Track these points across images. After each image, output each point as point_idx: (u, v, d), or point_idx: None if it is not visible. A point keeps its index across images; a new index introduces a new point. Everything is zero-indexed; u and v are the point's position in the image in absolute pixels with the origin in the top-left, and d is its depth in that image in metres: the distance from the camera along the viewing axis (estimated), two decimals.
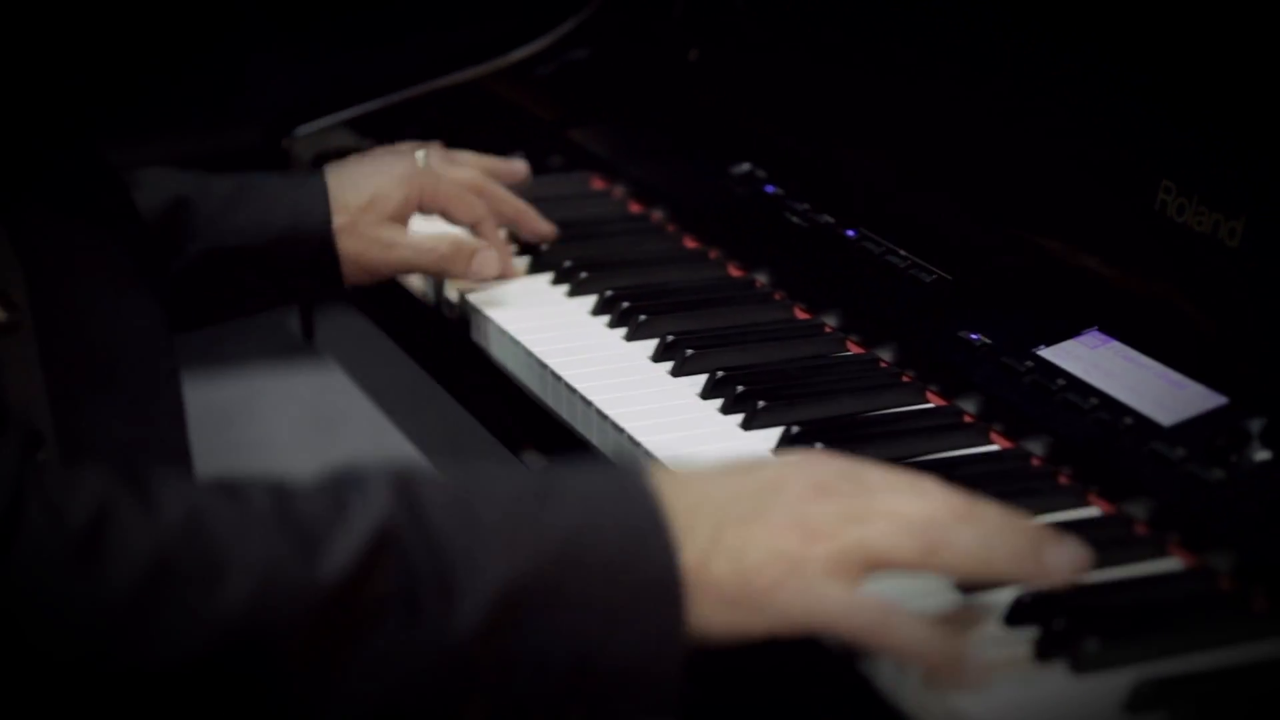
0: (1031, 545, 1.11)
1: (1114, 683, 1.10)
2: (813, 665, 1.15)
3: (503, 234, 1.86)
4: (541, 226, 1.86)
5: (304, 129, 2.26)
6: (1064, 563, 1.11)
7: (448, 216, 1.82)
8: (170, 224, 1.71)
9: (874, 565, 1.09)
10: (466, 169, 1.85)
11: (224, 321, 1.84)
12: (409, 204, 1.78)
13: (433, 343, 1.86)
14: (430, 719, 1.06)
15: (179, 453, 1.41)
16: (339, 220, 1.75)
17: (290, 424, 3.95)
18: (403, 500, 1.07)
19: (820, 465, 1.14)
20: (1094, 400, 1.39)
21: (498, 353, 1.73)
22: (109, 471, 1.05)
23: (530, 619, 1.06)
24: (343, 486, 1.08)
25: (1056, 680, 1.11)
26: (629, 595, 1.07)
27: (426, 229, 1.80)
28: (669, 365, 1.60)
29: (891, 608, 1.08)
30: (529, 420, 1.64)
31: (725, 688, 1.18)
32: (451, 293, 1.82)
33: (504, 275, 1.81)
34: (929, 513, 1.11)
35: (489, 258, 1.78)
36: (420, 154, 1.83)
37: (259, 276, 1.75)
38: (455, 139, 1.95)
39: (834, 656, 1.13)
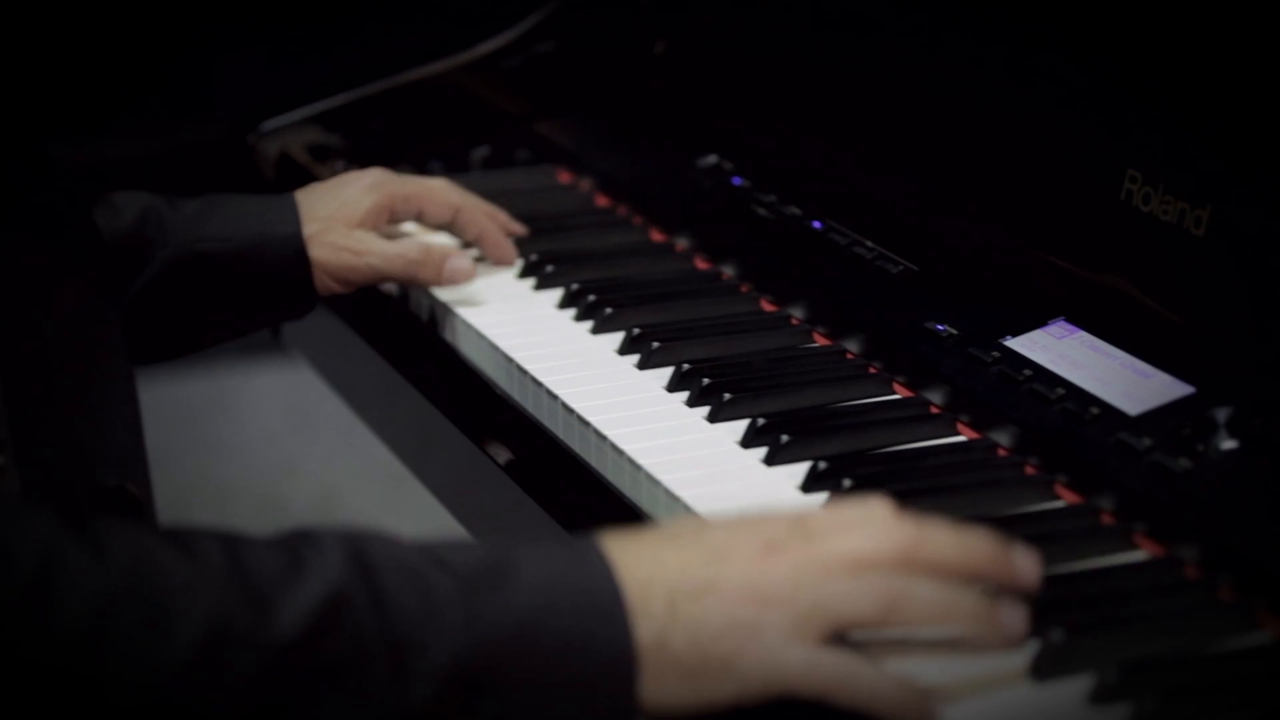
0: (987, 606, 1.10)
1: (1081, 674, 1.09)
2: None
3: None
4: (505, 252, 1.84)
5: (270, 123, 2.25)
6: (1017, 621, 1.10)
7: (423, 218, 1.81)
8: (140, 236, 1.69)
9: (834, 627, 1.09)
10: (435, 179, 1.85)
11: (196, 349, 1.83)
12: (379, 211, 1.78)
13: (401, 340, 1.85)
14: None
15: (135, 458, 1.40)
16: (310, 229, 1.74)
17: (260, 422, 3.94)
18: (356, 565, 1.06)
19: (766, 523, 1.13)
20: (1060, 390, 1.39)
21: (465, 348, 1.72)
22: (58, 516, 1.03)
23: (483, 697, 1.05)
24: (297, 545, 1.07)
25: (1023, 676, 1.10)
26: (583, 677, 1.07)
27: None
28: (635, 358, 1.60)
29: (852, 664, 1.08)
30: (497, 416, 1.63)
31: None
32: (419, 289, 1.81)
33: (499, 259, 1.80)
34: (885, 557, 1.10)
35: (461, 265, 1.76)
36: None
37: (230, 289, 1.74)
38: (422, 133, 1.95)
39: None
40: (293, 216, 1.74)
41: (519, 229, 1.86)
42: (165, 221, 1.71)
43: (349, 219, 1.76)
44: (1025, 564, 1.13)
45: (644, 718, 1.11)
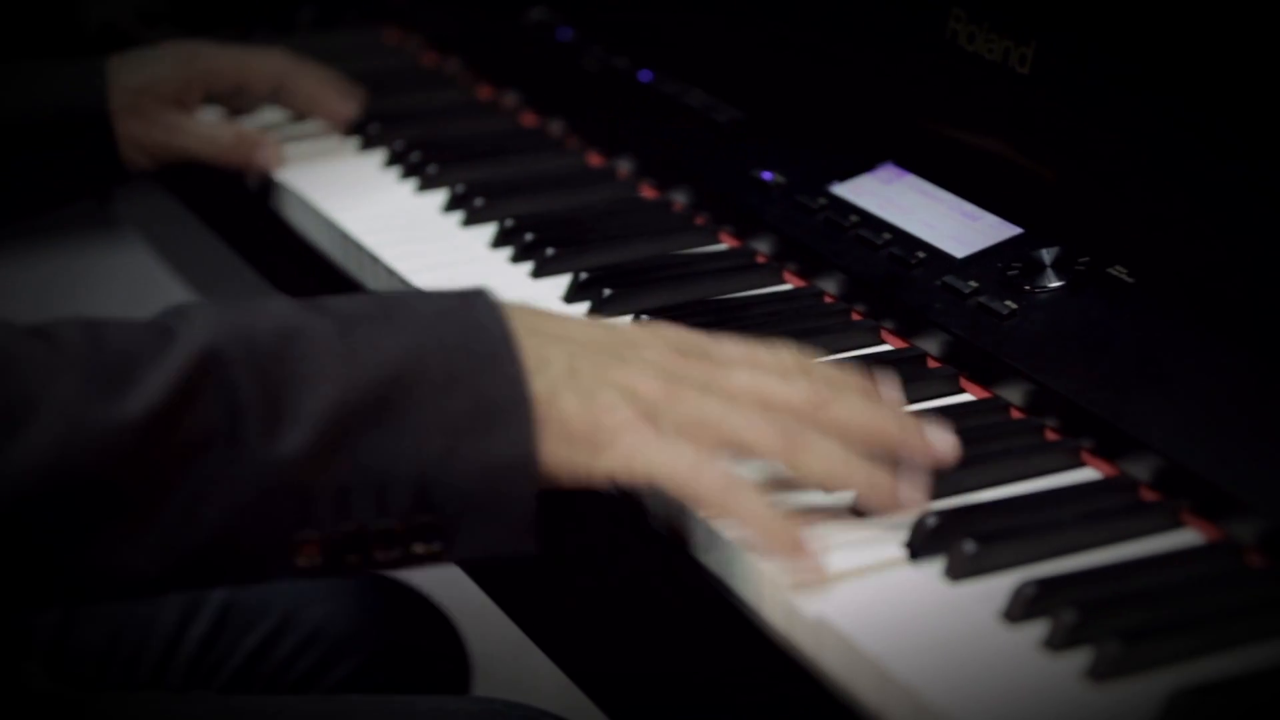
0: (888, 478, 1.07)
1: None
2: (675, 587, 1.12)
3: None
4: (341, 109, 1.77)
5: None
6: (917, 498, 1.07)
7: (247, 89, 1.75)
8: None
9: (729, 445, 1.05)
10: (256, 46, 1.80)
11: (3, 223, 1.77)
12: (193, 86, 1.71)
13: (232, 211, 1.80)
14: (265, 553, 1.01)
15: None
16: (118, 101, 1.67)
17: (91, 302, 3.87)
18: (227, 326, 1.01)
19: (682, 333, 1.10)
20: (887, 235, 1.37)
21: (291, 215, 1.68)
22: None
23: (365, 439, 1.01)
24: (166, 320, 1.03)
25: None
26: (475, 414, 1.02)
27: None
28: (460, 216, 1.56)
29: (739, 479, 1.04)
30: (323, 282, 1.60)
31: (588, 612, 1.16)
32: None
33: (337, 118, 1.75)
34: (794, 402, 1.07)
35: (273, 152, 1.71)
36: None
37: (30, 162, 1.68)
38: None
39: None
40: (99, 87, 1.68)
41: (348, 111, 1.79)
42: None
43: (161, 95, 1.70)
44: (940, 439, 1.09)
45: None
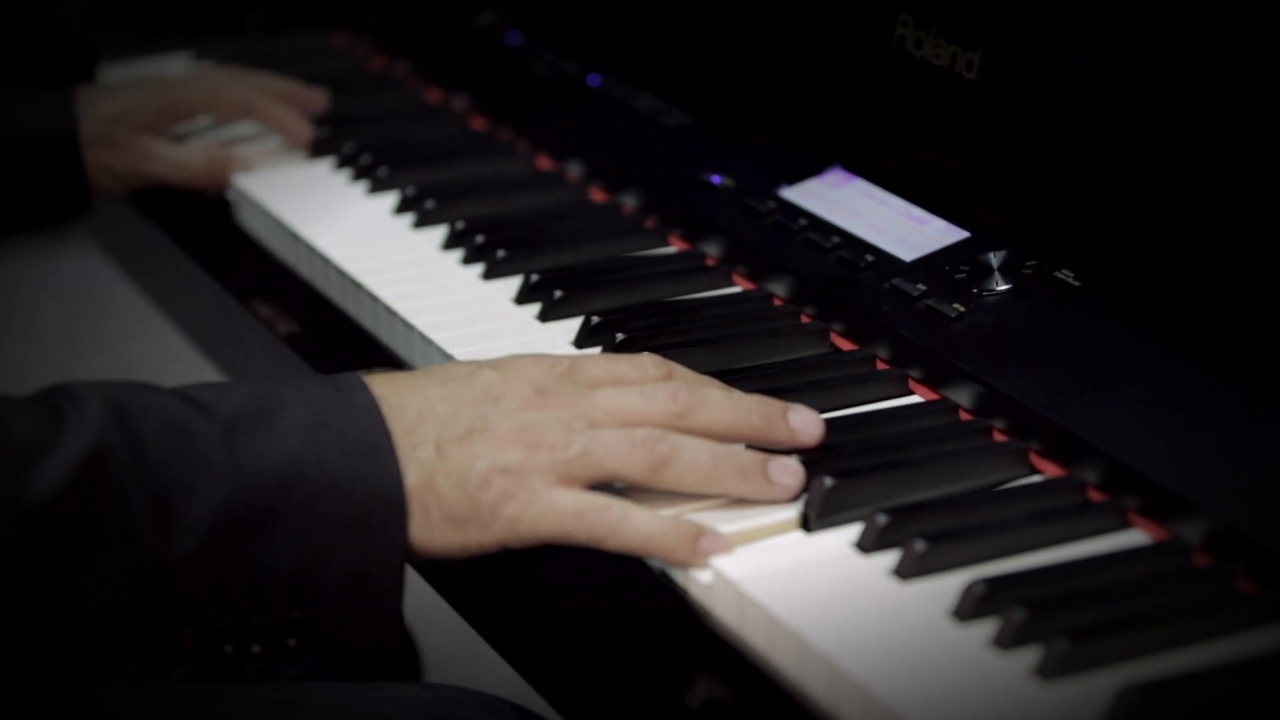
0: (757, 460, 1.10)
1: (850, 522, 1.09)
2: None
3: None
4: (302, 135, 1.77)
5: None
6: (788, 481, 1.10)
7: (216, 115, 1.76)
8: None
9: (601, 477, 1.09)
10: (224, 71, 1.80)
11: None
12: (164, 113, 1.72)
13: (185, 215, 1.80)
14: (145, 641, 1.05)
15: None
16: (90, 130, 1.68)
17: (45, 308, 3.85)
18: (116, 418, 1.03)
19: (538, 367, 1.13)
20: (836, 239, 1.38)
21: (243, 219, 1.69)
22: None
23: (247, 544, 1.04)
24: (55, 402, 1.04)
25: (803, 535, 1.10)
26: (349, 518, 1.06)
27: None
28: (410, 218, 1.56)
29: (621, 506, 1.07)
30: (276, 286, 1.60)
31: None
32: None
33: (302, 142, 1.75)
34: (655, 416, 1.10)
35: (246, 151, 1.72)
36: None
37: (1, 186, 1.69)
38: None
39: None
40: (67, 114, 1.68)
41: (318, 102, 1.79)
42: None
43: (135, 122, 1.70)
44: (803, 423, 1.13)
45: (414, 560, 1.09)
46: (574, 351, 1.32)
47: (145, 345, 3.60)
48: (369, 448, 1.07)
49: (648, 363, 1.15)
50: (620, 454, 1.08)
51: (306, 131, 1.75)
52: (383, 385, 1.10)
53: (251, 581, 1.05)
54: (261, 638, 1.07)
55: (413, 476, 1.07)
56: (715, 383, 1.16)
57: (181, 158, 1.71)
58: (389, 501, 1.06)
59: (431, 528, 1.07)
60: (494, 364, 1.13)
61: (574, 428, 1.09)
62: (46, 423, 1.02)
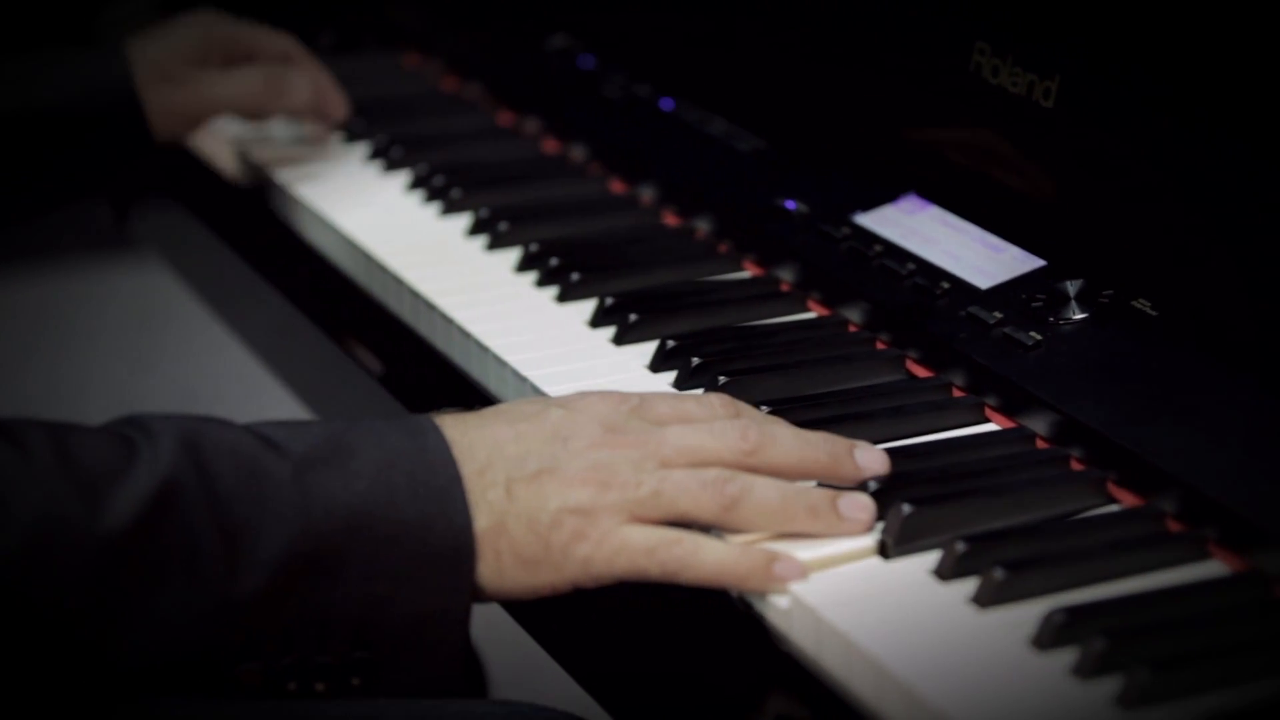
0: (827, 497, 1.10)
1: (929, 550, 1.09)
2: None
3: None
4: (337, 105, 1.79)
5: (110, 13, 2.19)
6: (860, 516, 1.10)
7: (255, 53, 1.76)
8: None
9: (671, 517, 1.09)
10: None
11: (35, 214, 1.78)
12: (211, 48, 1.73)
13: (249, 230, 1.81)
14: (209, 675, 1.05)
15: None
16: (143, 73, 1.69)
17: (109, 322, 3.86)
18: (188, 452, 1.03)
19: (606, 405, 1.13)
20: (911, 265, 1.38)
21: (314, 236, 1.69)
22: None
23: (315, 584, 1.04)
24: (128, 433, 1.05)
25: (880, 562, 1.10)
26: (418, 561, 1.06)
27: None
28: (483, 240, 1.57)
29: (693, 539, 1.08)
30: (346, 304, 1.60)
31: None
32: (264, 174, 1.77)
33: (328, 113, 1.76)
34: (725, 455, 1.10)
35: (300, 82, 1.72)
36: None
37: (64, 146, 1.70)
38: (266, 15, 1.90)
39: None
40: (122, 63, 1.69)
41: (345, 109, 1.80)
42: None
43: (183, 57, 1.71)
44: (869, 461, 1.13)
45: (485, 602, 1.10)
46: (647, 374, 1.32)
47: (208, 359, 3.62)
48: (439, 491, 1.07)
49: (715, 401, 1.15)
50: (691, 494, 1.09)
51: (342, 104, 1.77)
52: (453, 428, 1.10)
53: (317, 620, 1.05)
54: (325, 676, 1.07)
55: (483, 520, 1.07)
56: (782, 421, 1.16)
57: (237, 78, 1.71)
58: (458, 545, 1.07)
59: (503, 570, 1.08)
60: (562, 402, 1.14)
61: (644, 467, 1.09)
62: (119, 453, 1.03)
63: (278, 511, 1.04)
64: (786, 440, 1.12)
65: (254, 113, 1.74)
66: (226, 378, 3.54)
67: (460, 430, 1.10)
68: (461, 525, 1.06)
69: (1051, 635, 0.99)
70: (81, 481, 1.01)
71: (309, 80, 1.74)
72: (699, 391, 1.28)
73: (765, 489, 1.09)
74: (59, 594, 0.99)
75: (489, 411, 1.13)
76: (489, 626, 1.72)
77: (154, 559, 1.01)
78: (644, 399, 1.14)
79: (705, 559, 1.07)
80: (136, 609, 1.01)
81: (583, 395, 1.14)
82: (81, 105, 1.69)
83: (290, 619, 1.04)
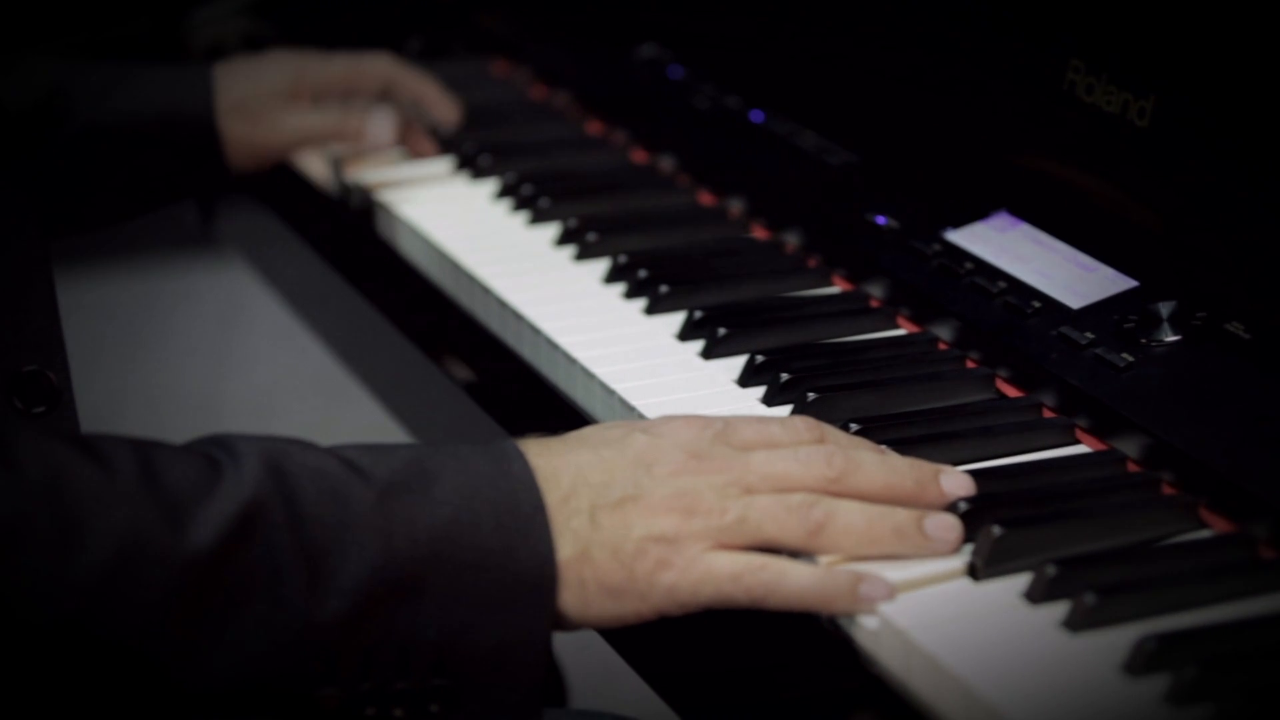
0: (913, 520, 1.09)
1: (1019, 572, 1.08)
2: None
3: None
4: (448, 109, 1.80)
5: (201, 14, 2.21)
6: (946, 537, 1.09)
7: (355, 90, 1.78)
8: (46, 111, 1.67)
9: (757, 543, 1.08)
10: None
11: (112, 222, 1.80)
12: (300, 85, 1.74)
13: (337, 236, 1.82)
14: (287, 700, 1.05)
15: (53, 344, 1.37)
16: (225, 102, 1.71)
17: (191, 322, 3.88)
18: (273, 475, 1.03)
19: (691, 430, 1.12)
20: (1002, 284, 1.37)
21: (401, 242, 1.70)
22: None
23: (395, 609, 1.04)
24: (213, 454, 1.05)
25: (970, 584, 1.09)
26: (499, 589, 1.05)
27: None
28: (571, 250, 1.57)
29: (778, 563, 1.07)
30: (431, 310, 1.61)
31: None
32: (353, 180, 1.78)
33: (444, 119, 1.77)
34: (810, 481, 1.10)
35: (383, 118, 1.74)
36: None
37: (139, 162, 1.71)
38: (355, 21, 1.91)
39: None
40: (206, 91, 1.71)
41: (455, 111, 1.82)
42: (73, 94, 1.68)
43: (269, 93, 1.73)
44: (955, 487, 1.12)
45: (568, 630, 1.09)
46: (736, 389, 1.32)
47: (289, 361, 3.64)
48: (523, 519, 1.06)
49: (800, 425, 1.14)
50: (777, 519, 1.08)
51: (452, 111, 1.77)
52: (537, 454, 1.10)
53: (397, 646, 1.05)
54: (404, 702, 1.06)
55: (566, 549, 1.07)
56: (868, 445, 1.15)
57: (314, 119, 1.74)
58: (540, 575, 1.06)
59: (588, 599, 1.07)
60: (646, 427, 1.13)
61: (729, 493, 1.09)
62: (204, 474, 1.03)
63: (360, 536, 1.03)
64: (872, 467, 1.11)
65: (334, 141, 1.76)
66: (307, 380, 3.56)
67: (544, 457, 1.10)
68: (544, 554, 1.06)
69: (1144, 661, 0.99)
70: (166, 502, 1.01)
71: (391, 121, 1.75)
72: (787, 407, 1.28)
73: (850, 512, 1.09)
74: (140, 614, 0.99)
75: (572, 436, 1.13)
76: (570, 635, 1.73)
77: (236, 581, 1.01)
78: (728, 423, 1.13)
79: (791, 583, 1.06)
80: (217, 631, 1.01)
81: (667, 420, 1.13)
82: (161, 129, 1.71)
83: (370, 644, 1.04)
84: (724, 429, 1.12)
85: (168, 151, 1.71)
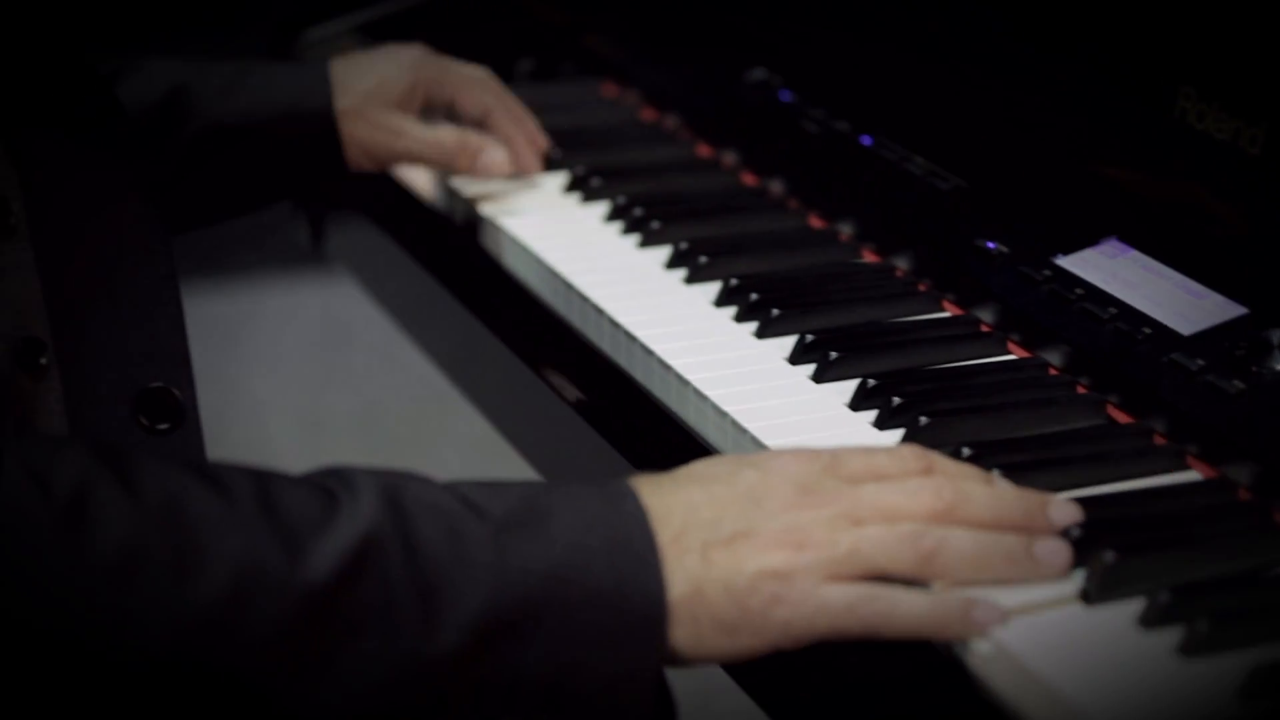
0: (1023, 544, 1.10)
1: (1131, 597, 1.09)
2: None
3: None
4: (530, 160, 1.82)
5: (312, 34, 2.24)
6: (1056, 561, 1.10)
7: (455, 107, 1.80)
8: (167, 110, 1.70)
9: (868, 574, 1.09)
10: (478, 69, 1.84)
11: (227, 217, 1.83)
12: (415, 91, 1.77)
13: (444, 252, 1.84)
14: None
15: (179, 361, 1.39)
16: (344, 103, 1.73)
17: (298, 336, 3.92)
18: (390, 511, 1.05)
19: (799, 464, 1.13)
20: (1112, 310, 1.38)
21: (511, 262, 1.72)
22: (91, 448, 1.02)
23: (507, 646, 1.05)
24: (330, 485, 1.06)
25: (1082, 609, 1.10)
26: (611, 628, 1.06)
27: None
28: (682, 273, 1.59)
29: (890, 594, 1.08)
30: (540, 329, 1.63)
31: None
32: (460, 199, 1.80)
33: (520, 170, 1.79)
34: (919, 513, 1.10)
35: (496, 155, 1.76)
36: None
37: (259, 160, 1.74)
38: (466, 43, 1.93)
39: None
40: (325, 89, 1.74)
41: (543, 142, 1.83)
42: (193, 95, 1.71)
43: (385, 97, 1.75)
44: (1063, 517, 1.13)
45: (682, 667, 1.10)
46: (847, 413, 1.34)
47: (396, 377, 3.66)
48: (635, 558, 1.07)
49: (908, 456, 1.14)
50: (888, 549, 1.09)
51: (533, 161, 1.80)
52: (649, 493, 1.10)
53: (508, 682, 1.05)
54: None
55: (679, 587, 1.07)
56: (976, 474, 1.15)
57: (433, 136, 1.76)
58: (651, 614, 1.06)
59: (702, 636, 1.07)
60: (754, 463, 1.13)
61: (839, 525, 1.09)
62: (321, 505, 1.04)
63: (474, 573, 1.04)
64: (980, 498, 1.12)
65: (446, 168, 1.79)
66: (414, 396, 3.58)
67: (656, 495, 1.10)
68: (655, 593, 1.07)
69: (1258, 688, 0.99)
70: (284, 532, 1.02)
71: (502, 154, 1.77)
72: (899, 431, 1.29)
73: (960, 540, 1.09)
74: (253, 643, 1.00)
75: (682, 474, 1.14)
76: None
77: (351, 612, 1.02)
78: (835, 456, 1.14)
79: (904, 611, 1.07)
80: (330, 663, 1.02)
81: (775, 455, 1.14)
82: (282, 125, 1.74)
83: (482, 679, 1.04)
84: (832, 462, 1.13)
85: (287, 148, 1.74)
